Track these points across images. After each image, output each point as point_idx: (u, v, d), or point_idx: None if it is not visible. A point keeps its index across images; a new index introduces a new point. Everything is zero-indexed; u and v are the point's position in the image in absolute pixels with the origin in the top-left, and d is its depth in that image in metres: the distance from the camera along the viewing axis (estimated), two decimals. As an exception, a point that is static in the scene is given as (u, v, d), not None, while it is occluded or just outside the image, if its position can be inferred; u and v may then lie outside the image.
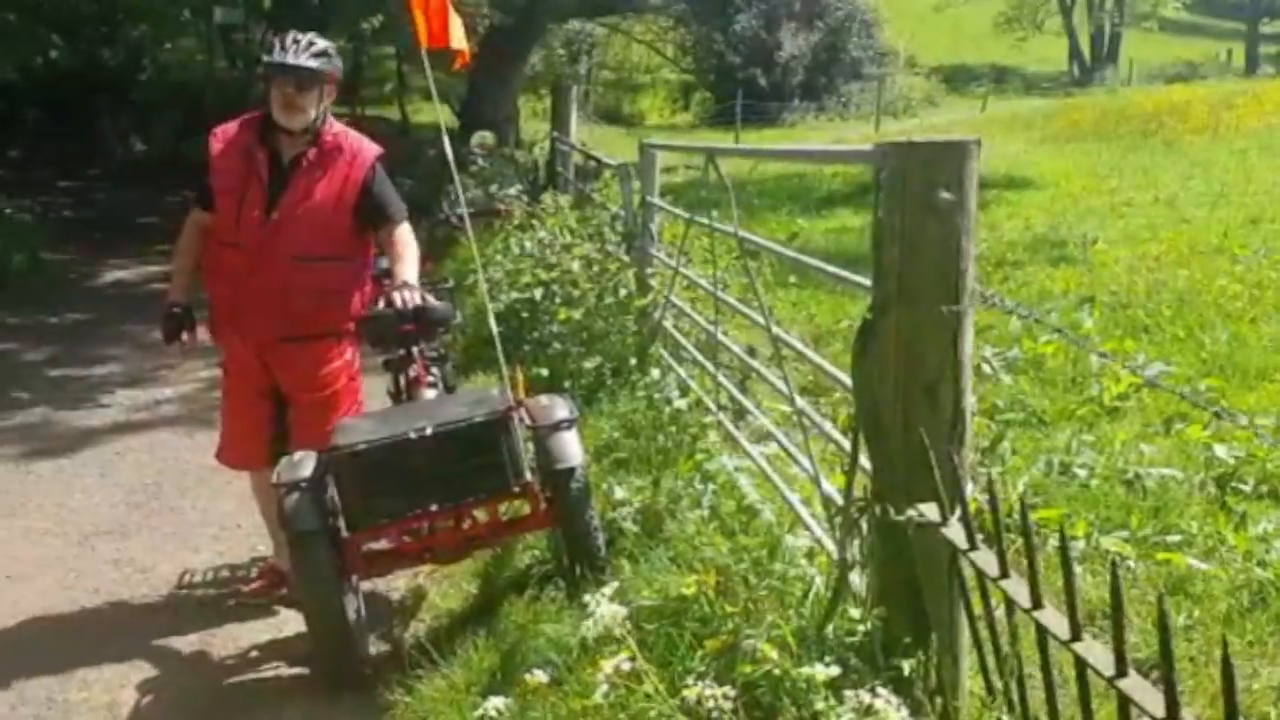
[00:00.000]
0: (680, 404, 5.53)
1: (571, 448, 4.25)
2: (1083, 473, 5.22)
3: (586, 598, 2.65)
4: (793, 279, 9.14)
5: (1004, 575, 2.27)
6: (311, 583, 4.08)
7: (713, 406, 5.37)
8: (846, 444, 3.84)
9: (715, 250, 5.44)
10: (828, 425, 4.02)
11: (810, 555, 3.51)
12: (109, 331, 10.44)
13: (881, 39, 42.54)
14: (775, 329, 4.25)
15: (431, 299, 5.16)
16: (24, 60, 13.09)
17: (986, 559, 2.34)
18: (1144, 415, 6.31)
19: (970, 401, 2.76)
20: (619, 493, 4.60)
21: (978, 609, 2.57)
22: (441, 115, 6.39)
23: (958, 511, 2.53)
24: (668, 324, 6.64)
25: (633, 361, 6.57)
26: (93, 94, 21.96)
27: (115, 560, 5.45)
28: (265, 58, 4.76)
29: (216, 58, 28.07)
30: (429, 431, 4.05)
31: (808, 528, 3.78)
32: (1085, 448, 5.56)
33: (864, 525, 2.95)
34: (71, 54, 17.60)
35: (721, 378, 5.36)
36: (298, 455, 4.24)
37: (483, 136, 14.08)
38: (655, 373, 6.33)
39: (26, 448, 7.18)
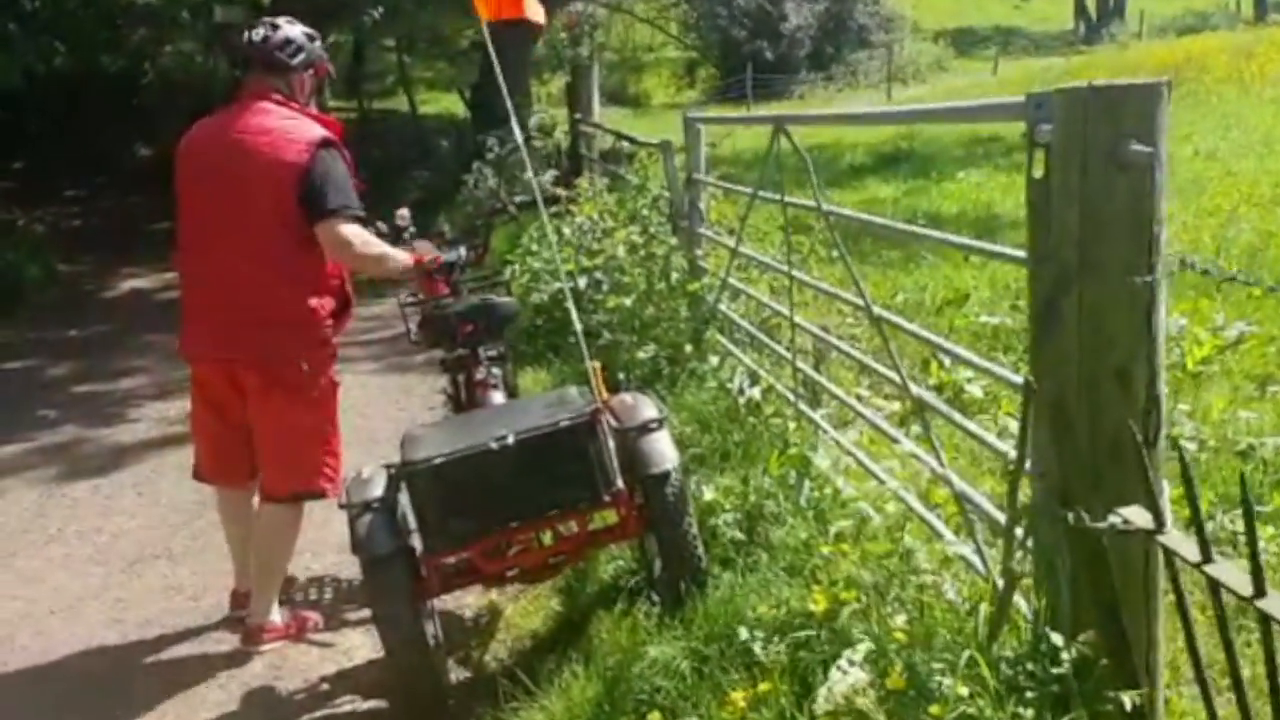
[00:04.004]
0: (754, 393, 5.20)
1: (665, 449, 3.87)
2: (1191, 445, 4.86)
3: (837, 672, 2.25)
4: (835, 254, 8.81)
5: (1260, 593, 1.92)
6: (389, 609, 3.72)
7: (790, 395, 5.02)
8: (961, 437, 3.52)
9: (788, 227, 5.09)
10: (954, 418, 3.64)
11: (945, 563, 3.16)
12: (132, 342, 10.10)
13: (886, 5, 41.99)
14: (876, 309, 3.89)
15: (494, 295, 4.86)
16: (28, 68, 12.73)
17: (1233, 574, 1.98)
18: (1231, 379, 5.94)
19: (1164, 386, 2.41)
20: (708, 494, 4.24)
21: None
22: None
23: (1166, 513, 2.18)
24: (723, 306, 6.30)
25: (688, 349, 6.23)
26: (94, 100, 21.61)
27: (164, 588, 5.12)
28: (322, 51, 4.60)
29: (217, 58, 27.69)
30: (510, 441, 3.67)
31: (937, 532, 3.42)
32: (1183, 418, 5.20)
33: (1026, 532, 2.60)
34: (73, 61, 17.27)
35: (801, 363, 5.01)
36: (366, 472, 3.88)
37: (540, 118, 13.72)
38: (713, 359, 6.01)
39: (59, 469, 6.86)
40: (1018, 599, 2.64)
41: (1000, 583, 2.61)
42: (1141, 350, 2.35)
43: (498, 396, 4.68)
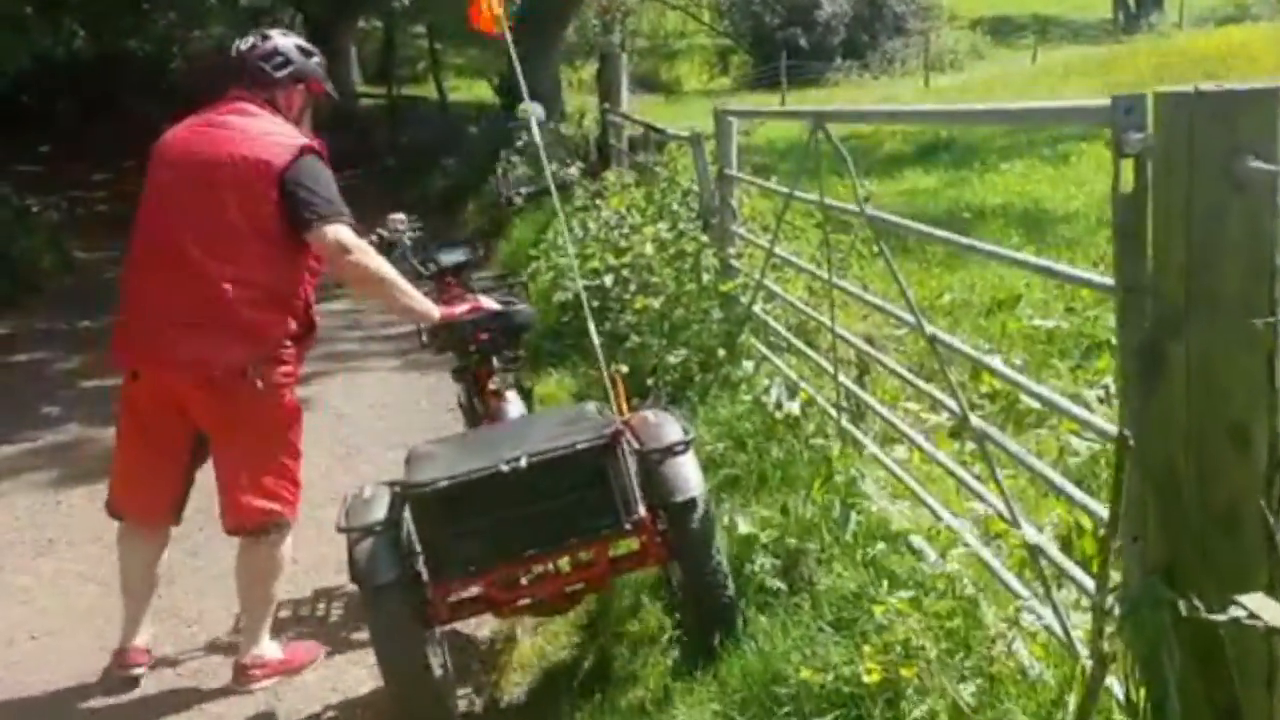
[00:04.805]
0: (793, 407, 4.83)
1: (691, 475, 3.54)
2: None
3: None
4: (874, 249, 8.43)
5: None
6: (391, 642, 3.42)
7: (832, 410, 4.65)
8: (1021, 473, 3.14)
9: (828, 230, 4.73)
10: (1031, 463, 3.25)
11: (1012, 622, 2.79)
12: (147, 334, 9.78)
13: (923, -8, 41.47)
14: (930, 328, 3.51)
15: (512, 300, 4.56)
16: (42, 51, 12.44)
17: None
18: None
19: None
20: (743, 526, 3.87)
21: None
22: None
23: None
24: (758, 309, 5.93)
25: (721, 353, 5.87)
26: (124, 85, 21.41)
27: (158, 610, 4.75)
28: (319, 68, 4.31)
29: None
30: (523, 462, 3.33)
31: (1002, 581, 3.04)
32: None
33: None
34: (99, 45, 17.09)
35: (843, 378, 4.63)
36: (367, 492, 3.57)
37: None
38: (748, 365, 5.66)
39: (57, 472, 6.54)
40: (1110, 681, 2.27)
41: (1089, 663, 2.25)
42: (1262, 404, 1.97)
43: (513, 409, 4.39)
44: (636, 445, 3.61)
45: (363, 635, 4.35)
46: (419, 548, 3.49)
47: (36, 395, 8.08)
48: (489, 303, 4.39)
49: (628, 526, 3.47)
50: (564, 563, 3.75)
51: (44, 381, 8.52)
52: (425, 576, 3.49)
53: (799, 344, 5.43)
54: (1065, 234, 9.67)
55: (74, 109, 21.39)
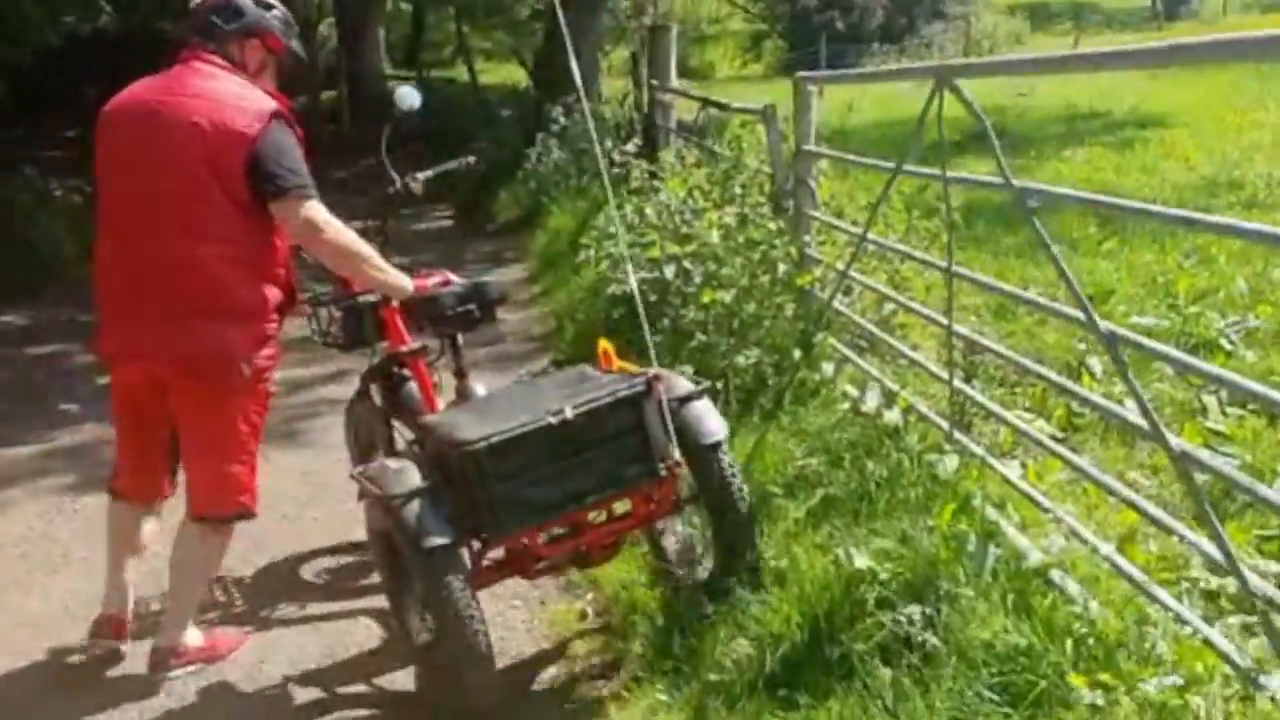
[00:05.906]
0: (894, 416, 4.30)
1: (713, 420, 3.73)
2: None
3: None
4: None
5: None
6: (453, 604, 3.32)
7: (940, 421, 4.10)
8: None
9: (950, 210, 4.23)
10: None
11: (1238, 698, 2.23)
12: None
13: (960, -24, 40.71)
14: (1104, 324, 2.94)
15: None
16: (69, 29, 11.97)
17: None
18: None
19: None
20: (859, 560, 3.31)
21: None
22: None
23: None
24: (838, 304, 5.39)
25: (797, 354, 5.32)
26: (152, 67, 20.95)
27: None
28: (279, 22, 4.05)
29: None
30: (569, 414, 3.39)
31: (1210, 645, 2.47)
32: None
33: None
34: (128, 23, 16.65)
35: (959, 383, 4.08)
36: (393, 462, 3.60)
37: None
38: (827, 368, 5.14)
39: (74, 477, 6.00)
40: None
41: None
42: None
43: (480, 387, 4.33)
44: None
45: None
46: (464, 512, 3.41)
47: (55, 391, 7.57)
48: (456, 278, 4.37)
49: (663, 472, 3.55)
50: (598, 517, 3.76)
51: (63, 376, 7.99)
52: (473, 540, 3.51)
53: (896, 344, 4.88)
54: (1145, 224, 9.06)
55: (102, 92, 20.92)
